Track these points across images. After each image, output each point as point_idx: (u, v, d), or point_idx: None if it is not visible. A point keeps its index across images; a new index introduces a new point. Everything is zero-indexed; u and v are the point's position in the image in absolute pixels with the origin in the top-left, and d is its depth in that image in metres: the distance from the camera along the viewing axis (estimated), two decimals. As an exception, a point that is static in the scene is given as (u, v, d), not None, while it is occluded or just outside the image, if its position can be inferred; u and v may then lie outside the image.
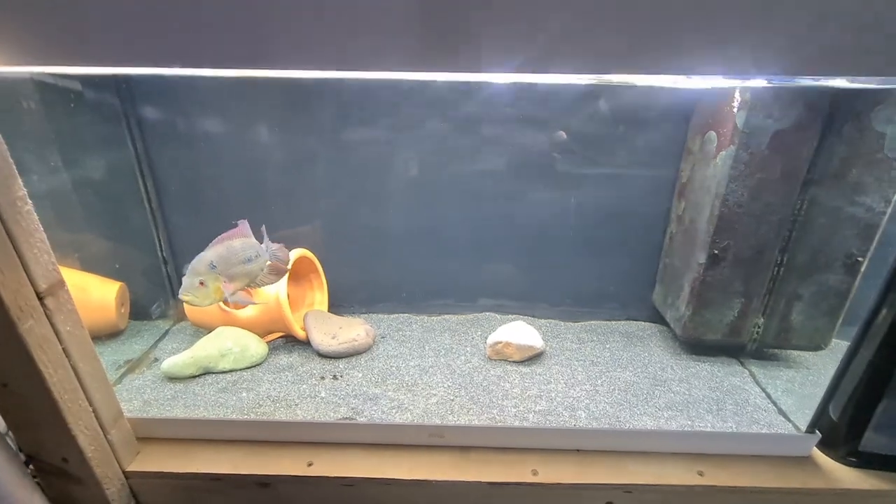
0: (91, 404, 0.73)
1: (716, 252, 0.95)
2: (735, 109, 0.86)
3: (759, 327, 1.02)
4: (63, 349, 0.68)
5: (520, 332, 1.09)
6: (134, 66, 0.58)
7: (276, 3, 0.53)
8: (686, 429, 0.89)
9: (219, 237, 0.91)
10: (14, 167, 0.59)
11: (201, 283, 0.88)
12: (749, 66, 0.56)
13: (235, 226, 0.87)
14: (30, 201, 0.61)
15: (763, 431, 0.89)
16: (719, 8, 0.52)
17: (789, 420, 0.91)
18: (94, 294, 1.09)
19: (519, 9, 0.53)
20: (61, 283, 0.67)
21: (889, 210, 0.87)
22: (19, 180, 0.60)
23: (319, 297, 1.25)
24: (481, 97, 1.06)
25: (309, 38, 0.54)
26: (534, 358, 1.09)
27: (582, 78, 0.65)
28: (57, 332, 0.67)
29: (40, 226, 0.63)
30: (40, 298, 0.63)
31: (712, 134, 0.93)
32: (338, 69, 0.57)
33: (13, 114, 0.92)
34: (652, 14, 0.53)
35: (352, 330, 1.12)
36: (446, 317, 1.28)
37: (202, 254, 0.87)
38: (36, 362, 0.63)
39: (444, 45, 0.55)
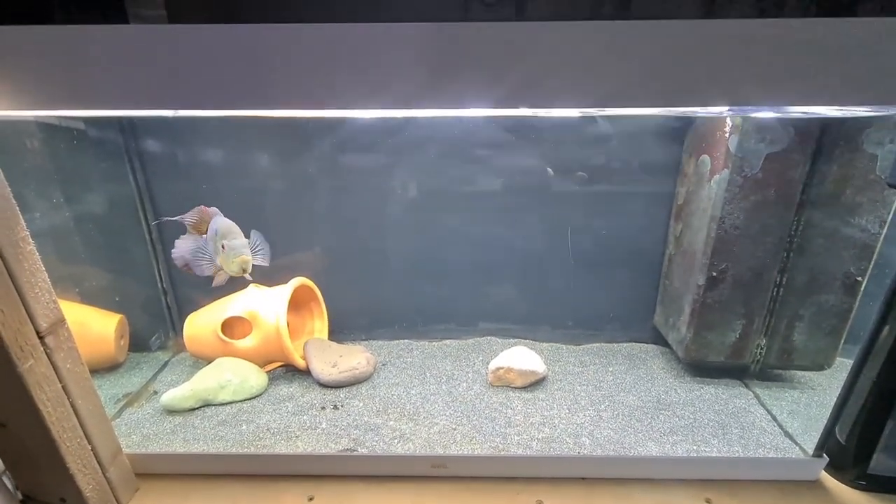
0: (90, 442, 0.73)
1: (714, 274, 0.95)
2: (727, 134, 0.87)
3: (761, 348, 1.01)
4: (62, 387, 0.68)
5: (521, 357, 1.08)
6: (137, 110, 0.59)
7: (278, 53, 0.55)
8: (692, 454, 0.88)
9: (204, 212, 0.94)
10: (17, 208, 0.60)
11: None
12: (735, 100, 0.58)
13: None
14: (31, 241, 0.62)
15: (770, 456, 0.88)
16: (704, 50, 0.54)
17: (796, 443, 0.90)
18: (94, 327, 1.08)
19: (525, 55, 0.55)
20: (62, 321, 0.67)
21: (885, 230, 0.88)
22: (22, 221, 0.61)
23: (319, 325, 1.24)
24: (480, 123, 1.07)
25: (309, 80, 0.56)
26: (536, 383, 1.08)
27: (582, 111, 0.67)
28: (56, 370, 0.66)
29: (42, 265, 0.64)
30: (41, 337, 0.64)
31: (706, 158, 0.94)
32: (337, 108, 0.59)
33: (17, 153, 0.94)
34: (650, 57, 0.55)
35: (352, 358, 1.12)
36: (447, 342, 1.27)
37: (235, 230, 0.91)
38: (35, 402, 0.63)
39: (450, 84, 0.57)
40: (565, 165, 1.10)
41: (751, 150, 0.86)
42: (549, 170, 1.10)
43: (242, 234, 0.94)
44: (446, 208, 1.15)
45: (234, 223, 0.94)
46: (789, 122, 0.84)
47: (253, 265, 0.93)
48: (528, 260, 1.20)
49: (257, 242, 0.94)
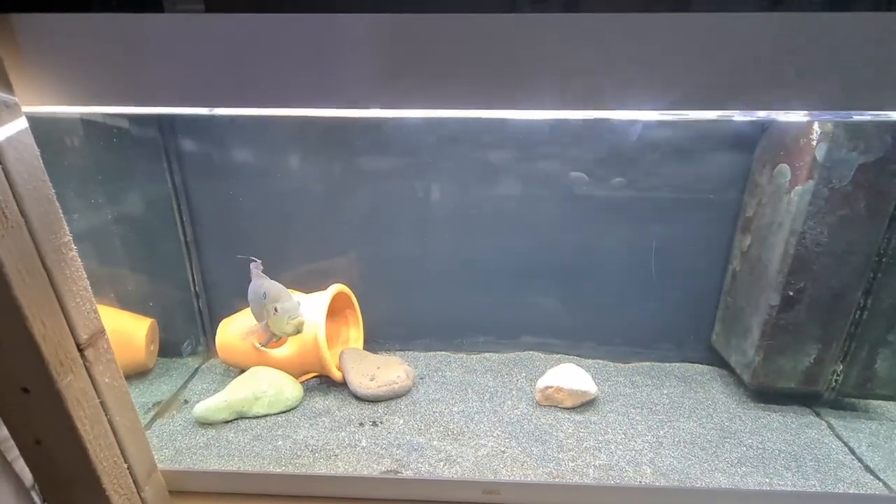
0: (126, 460, 0.68)
1: (790, 294, 0.88)
2: (814, 142, 0.80)
3: (837, 375, 0.93)
4: (101, 402, 0.63)
5: (571, 375, 1.02)
6: (179, 107, 0.55)
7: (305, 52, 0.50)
8: (765, 487, 0.81)
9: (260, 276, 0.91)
10: (60, 211, 0.55)
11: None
12: (834, 102, 0.51)
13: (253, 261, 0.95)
14: (74, 247, 0.57)
15: (851, 492, 0.80)
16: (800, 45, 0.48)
17: (879, 479, 0.83)
18: (124, 332, 1.04)
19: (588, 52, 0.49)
20: (101, 332, 0.63)
21: None
22: (65, 225, 0.56)
23: (354, 333, 1.19)
24: (527, 128, 1.01)
25: (354, 76, 0.52)
26: (586, 404, 1.01)
27: (654, 114, 0.61)
28: (95, 385, 0.62)
29: (83, 272, 0.59)
30: (80, 350, 0.59)
31: (784, 167, 0.87)
32: (384, 107, 0.54)
33: (58, 152, 0.90)
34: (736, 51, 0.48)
35: (391, 371, 1.06)
36: (486, 355, 1.21)
37: (285, 292, 0.92)
38: (73, 420, 0.58)
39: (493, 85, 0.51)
40: (616, 171, 1.03)
41: (841, 160, 0.78)
42: (621, 179, 1.04)
43: (291, 295, 0.92)
44: (487, 216, 1.09)
45: (280, 284, 0.93)
46: (886, 130, 0.76)
47: None
48: (573, 271, 1.13)
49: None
